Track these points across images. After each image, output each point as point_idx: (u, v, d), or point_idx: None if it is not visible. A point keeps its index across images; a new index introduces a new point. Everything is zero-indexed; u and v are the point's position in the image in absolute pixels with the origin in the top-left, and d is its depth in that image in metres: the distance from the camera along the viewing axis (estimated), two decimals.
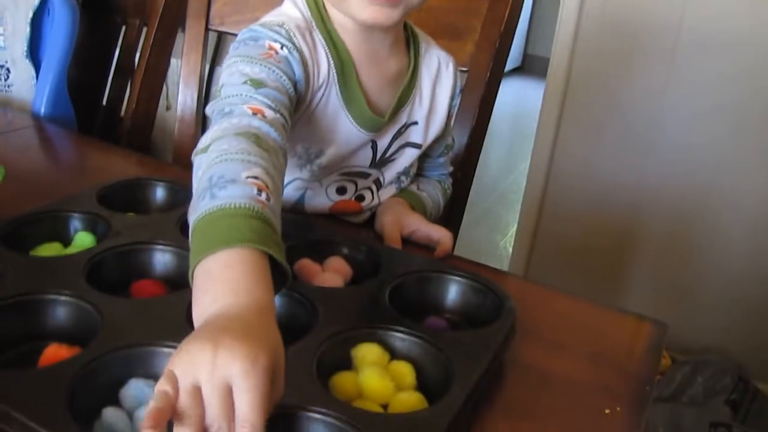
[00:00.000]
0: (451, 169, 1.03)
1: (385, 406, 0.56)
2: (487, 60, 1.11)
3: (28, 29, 1.39)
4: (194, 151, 0.64)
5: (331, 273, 0.71)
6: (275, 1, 1.23)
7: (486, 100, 1.11)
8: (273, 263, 0.53)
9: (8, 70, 1.45)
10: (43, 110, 1.30)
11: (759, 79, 1.87)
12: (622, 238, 2.16)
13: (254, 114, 0.67)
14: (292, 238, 0.72)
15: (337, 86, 0.81)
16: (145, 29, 1.44)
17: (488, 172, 3.52)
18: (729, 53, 1.88)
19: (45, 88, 1.32)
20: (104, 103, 1.58)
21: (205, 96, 1.32)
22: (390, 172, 0.91)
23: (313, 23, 0.81)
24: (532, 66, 5.24)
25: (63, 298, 0.62)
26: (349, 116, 0.83)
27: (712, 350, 2.00)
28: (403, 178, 0.93)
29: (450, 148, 1.00)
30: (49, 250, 0.73)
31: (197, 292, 0.51)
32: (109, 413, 0.51)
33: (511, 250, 2.40)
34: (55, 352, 0.56)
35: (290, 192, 0.87)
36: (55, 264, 0.68)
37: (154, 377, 0.53)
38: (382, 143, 0.88)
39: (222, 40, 2.19)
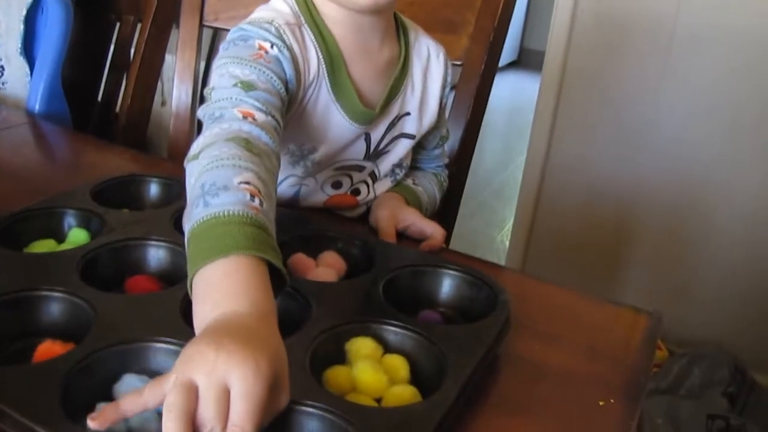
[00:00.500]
0: (446, 161, 1.03)
1: (378, 400, 0.56)
2: (481, 53, 1.11)
3: (21, 26, 1.39)
4: (186, 158, 0.64)
5: (325, 267, 0.71)
6: None
7: (481, 93, 1.11)
8: (271, 267, 0.54)
9: (2, 67, 1.44)
10: (37, 107, 1.30)
11: (755, 76, 1.87)
12: (618, 233, 2.16)
13: (245, 117, 0.66)
14: (286, 232, 0.72)
15: (327, 81, 0.81)
16: (139, 25, 1.44)
17: (484, 166, 3.52)
18: (724, 49, 1.89)
19: (39, 86, 1.32)
20: (99, 99, 1.58)
21: (200, 92, 1.31)
22: (385, 165, 0.91)
23: (302, 18, 0.80)
24: (529, 60, 5.24)
25: (57, 294, 0.62)
26: (341, 110, 0.82)
27: (709, 342, 2.01)
28: (398, 170, 0.93)
29: (445, 139, 1.00)
30: (43, 246, 0.73)
31: (197, 302, 0.51)
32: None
33: (508, 244, 2.41)
34: (49, 349, 0.56)
35: (285, 189, 0.86)
36: (48, 260, 0.68)
37: (148, 373, 0.54)
38: (376, 135, 0.87)
39: (217, 35, 2.18)
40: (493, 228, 2.90)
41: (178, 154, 1.26)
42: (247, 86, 0.70)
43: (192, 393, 0.44)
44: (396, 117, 0.88)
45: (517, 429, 0.58)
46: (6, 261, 0.67)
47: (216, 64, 0.75)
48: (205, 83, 2.13)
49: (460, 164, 1.12)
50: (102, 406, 0.48)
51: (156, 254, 0.71)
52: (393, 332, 0.61)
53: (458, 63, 1.12)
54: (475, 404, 0.58)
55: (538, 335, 0.70)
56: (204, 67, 2.22)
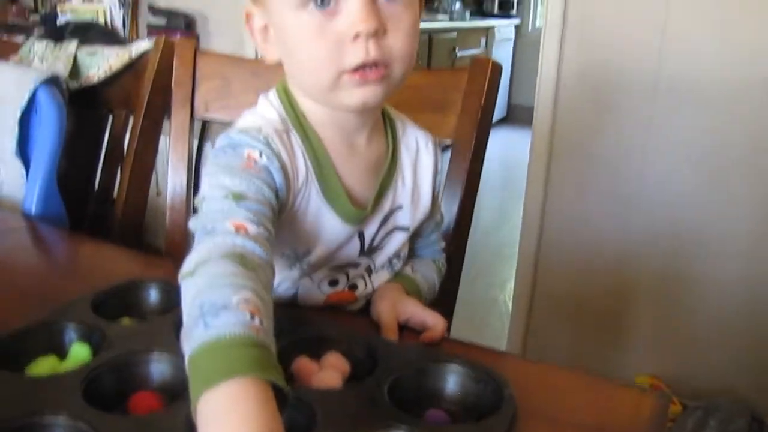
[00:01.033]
0: (443, 245, 1.02)
1: None
2: (470, 132, 1.12)
3: (16, 128, 1.41)
4: (181, 274, 0.63)
5: (329, 370, 0.71)
6: (257, 86, 1.26)
7: (472, 172, 1.12)
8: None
9: None
10: (33, 209, 1.31)
11: (736, 122, 1.91)
12: (619, 288, 2.16)
13: (237, 230, 0.67)
14: (287, 335, 0.72)
15: (317, 184, 0.81)
16: (131, 118, 1.46)
17: (481, 225, 3.54)
18: (705, 99, 1.93)
19: (35, 187, 1.33)
20: (95, 192, 1.60)
21: (194, 181, 1.32)
22: (381, 258, 0.90)
23: (289, 122, 0.81)
24: (517, 115, 5.32)
25: (59, 421, 0.61)
26: (333, 212, 0.82)
27: (723, 393, 1.99)
28: (395, 261, 0.92)
29: (440, 225, 1.00)
30: (45, 364, 0.73)
31: (204, 428, 0.51)
32: None
33: (511, 305, 2.40)
34: None
35: (282, 291, 0.86)
36: (50, 383, 0.68)
37: None
38: (369, 232, 0.87)
39: (207, 123, 2.22)
40: (494, 289, 2.90)
41: (175, 248, 1.27)
42: (238, 197, 0.70)
43: None
44: (388, 212, 0.88)
45: None
46: (6, 385, 0.67)
47: (206, 171, 0.75)
48: (199, 169, 2.15)
49: (456, 244, 1.12)
50: None
51: (158, 368, 0.70)
52: None
53: (448, 144, 1.13)
54: None
55: (546, 421, 0.70)
56: (197, 151, 2.25)
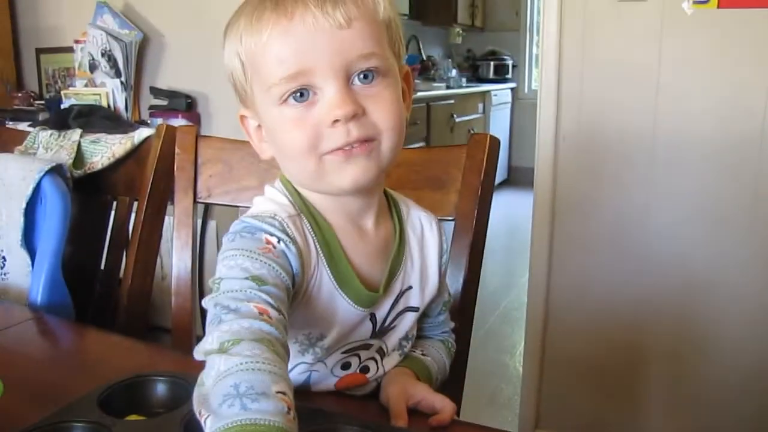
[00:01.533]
0: (452, 325, 1.02)
1: None
2: (471, 208, 1.13)
3: (22, 219, 1.42)
4: (204, 350, 0.64)
5: None
6: (258, 170, 1.28)
7: (475, 248, 1.13)
8: None
9: (4, 258, 1.47)
10: (39, 299, 1.32)
11: (736, 174, 1.93)
12: (631, 348, 2.14)
13: (261, 314, 0.67)
14: (300, 424, 0.71)
15: (328, 268, 0.81)
16: (135, 204, 1.47)
17: (488, 289, 3.53)
18: (703, 154, 1.95)
19: (41, 277, 1.34)
20: (100, 278, 1.60)
21: (199, 266, 1.33)
22: (392, 340, 0.90)
23: (298, 208, 0.82)
24: (518, 177, 5.36)
25: None
26: (345, 296, 0.83)
27: None
28: (404, 342, 0.92)
29: (448, 304, 1.00)
30: None
31: None
32: None
33: (521, 369, 2.38)
34: None
35: (295, 376, 0.86)
36: None
37: None
38: (381, 314, 0.87)
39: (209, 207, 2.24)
40: (504, 354, 2.87)
41: (181, 333, 1.27)
42: (259, 281, 0.71)
43: None
44: (399, 293, 0.89)
45: None
46: None
47: (222, 255, 0.75)
48: (203, 248, 2.16)
49: (462, 321, 1.11)
50: None
51: None
52: None
53: (450, 219, 1.14)
54: None
55: None
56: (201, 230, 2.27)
